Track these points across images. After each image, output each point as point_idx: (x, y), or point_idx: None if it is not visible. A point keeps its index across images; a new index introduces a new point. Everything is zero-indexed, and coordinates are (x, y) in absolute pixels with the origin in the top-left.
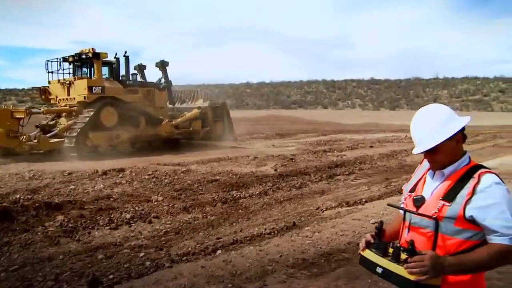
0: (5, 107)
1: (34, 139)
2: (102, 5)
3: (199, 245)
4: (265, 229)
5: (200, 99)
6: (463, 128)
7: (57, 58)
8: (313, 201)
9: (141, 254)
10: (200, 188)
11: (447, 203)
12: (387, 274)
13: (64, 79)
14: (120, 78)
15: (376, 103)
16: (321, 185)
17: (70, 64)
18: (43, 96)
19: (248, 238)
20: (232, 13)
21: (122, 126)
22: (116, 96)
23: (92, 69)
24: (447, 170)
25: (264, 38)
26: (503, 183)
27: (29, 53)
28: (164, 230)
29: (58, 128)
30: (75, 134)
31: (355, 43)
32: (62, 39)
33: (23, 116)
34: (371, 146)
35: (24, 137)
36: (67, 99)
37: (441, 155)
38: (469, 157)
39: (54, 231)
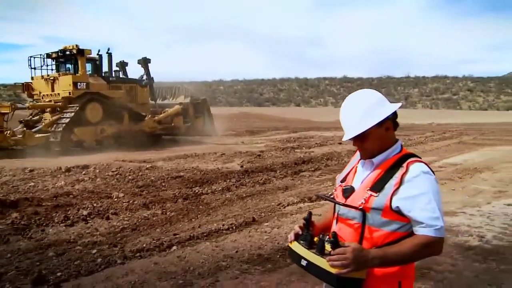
0: None
1: (19, 135)
2: (75, 0)
3: (155, 241)
4: (224, 225)
5: (181, 95)
6: (395, 116)
7: (40, 54)
8: (275, 197)
9: (94, 251)
10: (163, 185)
11: (374, 194)
12: (311, 267)
13: (48, 75)
14: (103, 75)
15: None
16: (285, 181)
17: (53, 60)
18: (26, 92)
19: (205, 234)
20: (206, 11)
21: (106, 122)
22: (101, 92)
23: (76, 65)
24: (376, 159)
25: (238, 36)
26: (432, 172)
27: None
28: (121, 227)
29: (42, 124)
30: (60, 129)
31: (328, 42)
32: (33, 34)
33: (8, 111)
34: (340, 143)
35: (9, 132)
36: (51, 94)
37: (370, 143)
38: (401, 145)
39: (3, 229)
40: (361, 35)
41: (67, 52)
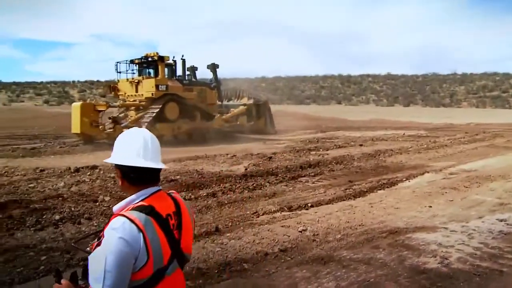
0: (89, 101)
1: (109, 129)
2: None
3: None
4: None
5: (245, 97)
6: (131, 169)
7: (126, 61)
8: (255, 205)
9: (43, 258)
10: None
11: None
12: None
13: (132, 78)
14: (178, 78)
15: (390, 98)
16: (278, 187)
17: (136, 65)
18: (112, 93)
19: None
20: (248, 6)
21: (182, 119)
22: (177, 93)
23: (157, 70)
24: (115, 207)
25: (280, 32)
26: (127, 228)
27: (47, 46)
28: (86, 233)
29: (129, 120)
30: (145, 124)
31: (372, 38)
32: (80, 33)
33: (104, 109)
34: (361, 145)
35: (102, 127)
36: (135, 95)
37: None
38: (142, 198)
39: None
40: (406, 30)
41: (149, 59)
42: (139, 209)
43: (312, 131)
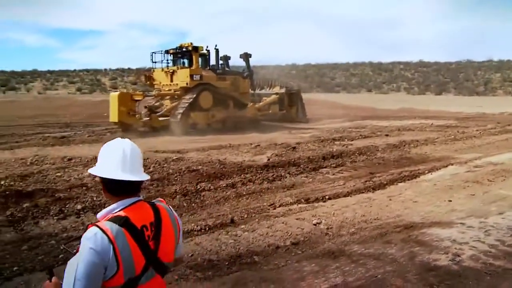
0: (126, 91)
1: (145, 118)
2: None
3: None
4: (197, 226)
5: (277, 86)
6: (110, 182)
7: (161, 51)
8: (272, 196)
9: (62, 247)
10: (176, 179)
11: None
12: None
13: (167, 68)
14: (210, 67)
15: (422, 86)
16: (297, 178)
17: (170, 55)
18: (148, 82)
19: None
20: None
21: (215, 108)
22: (211, 82)
23: (191, 60)
24: (98, 214)
25: (310, 18)
26: (99, 238)
27: (79, 35)
28: (75, 236)
29: (164, 109)
30: (181, 113)
31: (405, 24)
32: (110, 21)
33: (140, 99)
34: (387, 135)
35: (139, 115)
36: (170, 84)
37: None
38: (122, 208)
39: (0, 220)
40: (440, 15)
41: (184, 49)
42: (114, 219)
43: (339, 120)
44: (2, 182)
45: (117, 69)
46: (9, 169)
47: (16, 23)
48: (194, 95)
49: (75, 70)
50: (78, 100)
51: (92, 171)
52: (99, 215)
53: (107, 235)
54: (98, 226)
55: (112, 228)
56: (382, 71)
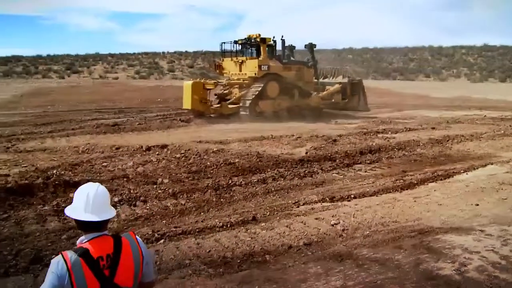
0: (198, 80)
1: (215, 105)
2: None
3: (151, 233)
4: (220, 222)
5: (340, 75)
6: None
7: (230, 42)
8: (299, 194)
9: None
10: (211, 172)
11: None
12: None
13: (237, 58)
14: (276, 57)
15: (485, 72)
16: (329, 175)
17: (239, 46)
18: (217, 70)
19: (198, 230)
20: None
21: (281, 97)
22: (277, 72)
23: (259, 50)
24: (78, 240)
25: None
26: (60, 266)
27: (138, 18)
28: (139, 215)
29: (233, 97)
30: (250, 101)
31: (468, 4)
32: (167, 4)
33: (212, 87)
34: (433, 128)
35: (209, 103)
36: (239, 74)
37: None
38: (87, 240)
39: (47, 210)
40: None
41: (252, 40)
42: (76, 250)
43: (389, 110)
44: (55, 171)
45: (175, 52)
46: (63, 157)
47: (76, 9)
48: (262, 85)
49: (134, 53)
50: (134, 86)
51: (66, 211)
52: (78, 240)
53: (66, 263)
54: (62, 255)
55: (71, 257)
56: (442, 56)
